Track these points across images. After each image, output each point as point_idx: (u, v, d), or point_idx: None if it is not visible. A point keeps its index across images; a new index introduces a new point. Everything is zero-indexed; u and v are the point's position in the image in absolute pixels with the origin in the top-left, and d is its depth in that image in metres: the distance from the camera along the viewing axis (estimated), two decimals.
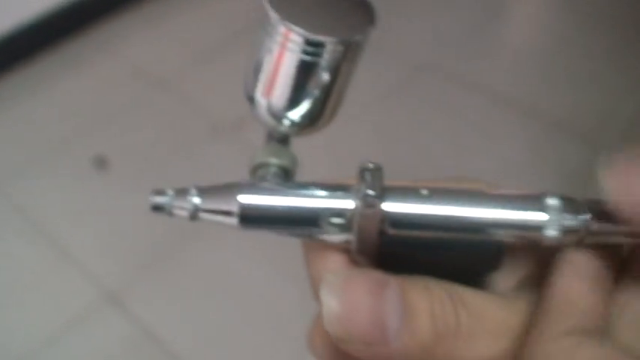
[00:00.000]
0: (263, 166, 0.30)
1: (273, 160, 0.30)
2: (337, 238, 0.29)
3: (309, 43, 0.29)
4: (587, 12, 2.15)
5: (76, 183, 1.70)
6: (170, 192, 0.30)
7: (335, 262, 0.30)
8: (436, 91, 1.92)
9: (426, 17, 2.16)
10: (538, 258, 0.31)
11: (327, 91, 0.31)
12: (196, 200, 0.29)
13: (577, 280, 0.27)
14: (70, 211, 1.64)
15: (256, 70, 0.31)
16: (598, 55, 1.97)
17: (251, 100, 0.31)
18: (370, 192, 0.27)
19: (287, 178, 0.30)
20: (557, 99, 1.86)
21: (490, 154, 1.71)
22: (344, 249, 0.29)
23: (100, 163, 1.73)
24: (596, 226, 0.27)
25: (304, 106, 0.31)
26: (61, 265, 1.53)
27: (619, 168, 0.25)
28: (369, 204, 0.27)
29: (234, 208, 0.28)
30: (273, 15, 0.28)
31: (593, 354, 0.25)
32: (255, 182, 0.29)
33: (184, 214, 0.29)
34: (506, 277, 0.31)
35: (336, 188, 0.28)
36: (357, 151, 1.72)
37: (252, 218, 0.29)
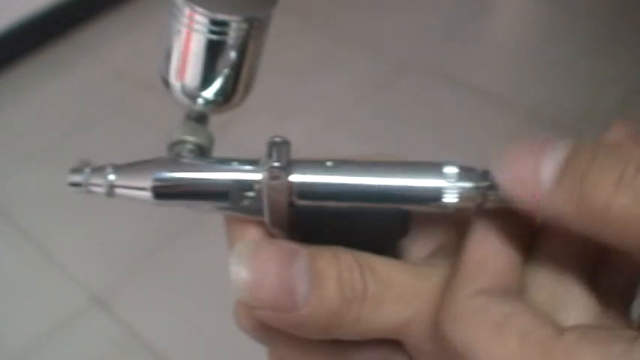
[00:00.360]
0: (179, 143, 0.31)
1: (190, 138, 0.31)
2: (251, 211, 0.30)
3: (214, 22, 0.30)
4: (569, 4, 2.16)
5: (61, 186, 1.70)
6: (87, 169, 0.31)
7: (252, 234, 0.31)
8: (421, 87, 1.92)
9: (409, 14, 2.16)
10: (450, 228, 0.32)
11: (238, 68, 0.32)
12: (111, 177, 0.30)
13: (486, 242, 0.28)
14: (55, 214, 1.65)
15: (168, 52, 0.32)
16: (580, 47, 1.98)
17: (165, 82, 0.33)
18: (276, 164, 0.28)
19: (203, 155, 0.31)
20: (541, 92, 1.87)
21: (475, 149, 1.72)
22: (261, 222, 0.30)
23: (84, 165, 1.73)
24: (494, 193, 0.28)
25: (217, 85, 0.32)
26: (47, 269, 1.53)
27: (509, 159, 0.25)
28: (274, 176, 0.28)
29: (148, 184, 0.29)
30: None
31: (500, 311, 0.25)
32: (168, 158, 0.30)
33: (101, 190, 0.30)
34: (418, 247, 0.32)
35: (246, 163, 0.29)
36: (341, 148, 1.73)
37: (165, 193, 0.30)
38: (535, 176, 0.24)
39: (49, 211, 1.65)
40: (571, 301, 0.27)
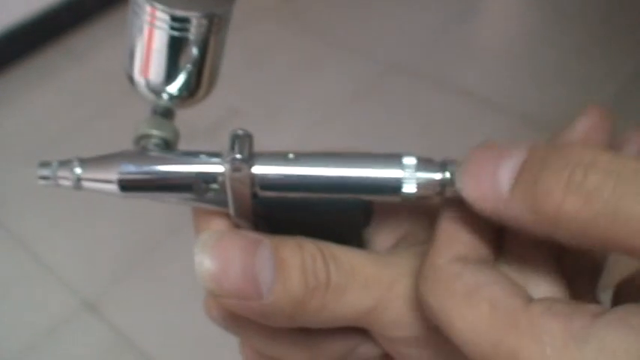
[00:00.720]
0: (145, 137, 0.32)
1: (155, 132, 0.32)
2: (216, 202, 0.30)
3: (174, 19, 0.31)
4: (556, 7, 2.17)
5: (52, 192, 1.71)
6: (54, 163, 0.31)
7: (217, 225, 0.32)
8: (408, 90, 1.93)
9: (398, 16, 2.17)
10: (413, 218, 0.33)
11: (200, 63, 0.32)
12: (78, 170, 0.31)
13: (461, 215, 0.29)
14: (45, 219, 1.65)
15: (131, 49, 0.33)
16: (567, 50, 1.99)
17: (130, 78, 0.33)
18: (237, 156, 0.28)
19: (168, 149, 0.32)
20: (528, 94, 1.87)
21: (463, 152, 1.72)
22: (227, 213, 0.31)
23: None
24: (452, 183, 0.29)
25: (181, 80, 0.33)
26: (37, 274, 1.54)
27: (470, 166, 0.27)
28: (236, 167, 0.28)
29: (113, 176, 0.30)
30: None
31: (474, 279, 0.26)
32: (134, 151, 0.31)
33: (68, 183, 0.31)
34: (382, 237, 0.33)
35: (211, 155, 0.30)
36: (331, 149, 1.73)
37: (130, 185, 0.30)
38: (494, 183, 0.26)
39: (39, 215, 1.66)
40: (538, 279, 0.28)
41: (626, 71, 1.91)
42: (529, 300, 0.25)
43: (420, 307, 0.28)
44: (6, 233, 1.62)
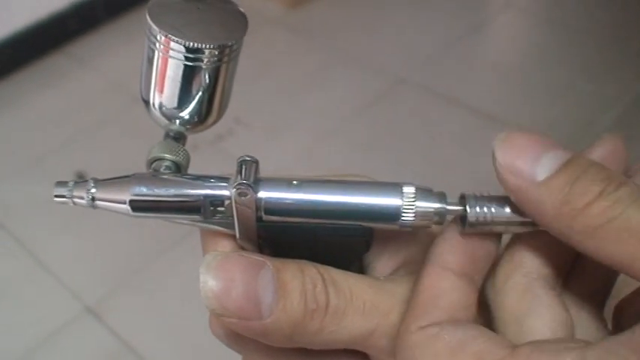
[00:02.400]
0: (157, 160, 0.34)
1: (167, 156, 0.34)
2: (223, 224, 0.32)
3: (188, 50, 0.33)
4: (565, 25, 2.18)
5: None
6: (70, 183, 0.33)
7: (223, 247, 0.33)
8: (415, 104, 1.94)
9: (405, 31, 2.18)
10: (412, 245, 0.34)
11: (212, 91, 0.35)
12: (93, 190, 0.32)
13: (442, 276, 0.30)
14: (49, 225, 1.65)
15: (147, 76, 0.35)
16: (575, 69, 1.99)
17: (146, 103, 0.35)
18: (244, 181, 0.30)
19: (179, 172, 0.34)
20: (535, 111, 1.88)
21: (468, 166, 1.73)
22: (232, 235, 0.32)
23: (79, 177, 1.74)
24: (450, 212, 0.30)
25: (193, 107, 0.35)
26: (41, 279, 1.54)
27: (512, 143, 0.28)
28: (242, 192, 0.30)
29: (126, 197, 0.31)
30: (154, 26, 0.32)
31: (454, 337, 0.27)
32: (146, 174, 0.32)
33: (83, 202, 0.32)
34: (382, 263, 0.34)
35: (219, 179, 0.31)
36: (335, 163, 1.74)
37: (141, 207, 0.32)
38: (531, 167, 0.27)
39: (43, 221, 1.66)
40: (539, 308, 0.29)
41: (633, 92, 1.91)
42: (514, 346, 0.26)
43: None
44: (9, 237, 1.63)
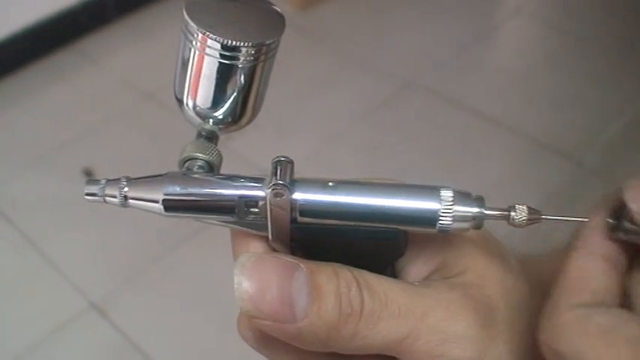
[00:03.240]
0: (190, 159, 0.33)
1: (200, 155, 0.33)
2: (255, 226, 0.31)
3: (225, 47, 0.32)
4: (573, 33, 2.17)
5: (63, 194, 1.72)
6: (102, 181, 0.32)
7: (255, 248, 0.32)
8: (422, 108, 1.94)
9: (414, 35, 2.18)
10: (447, 251, 0.33)
11: (247, 91, 0.34)
12: (125, 189, 0.32)
13: (592, 259, 0.29)
14: (56, 221, 1.65)
15: (182, 74, 0.34)
16: (582, 76, 1.99)
17: (180, 102, 0.35)
18: (279, 182, 0.29)
19: (212, 172, 0.33)
20: (541, 118, 1.88)
21: (474, 171, 1.73)
22: (264, 237, 0.32)
23: (87, 174, 1.74)
24: (488, 216, 0.30)
25: (227, 106, 0.34)
26: (47, 275, 1.54)
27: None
28: (278, 193, 0.29)
29: (159, 197, 0.31)
30: (192, 24, 0.32)
31: (607, 319, 0.27)
32: (179, 173, 0.32)
33: (115, 201, 0.32)
34: (416, 268, 0.34)
35: (253, 180, 0.31)
36: (342, 165, 1.74)
37: (174, 206, 0.31)
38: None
39: (50, 217, 1.66)
40: None
41: None
42: None
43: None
44: (16, 232, 1.63)
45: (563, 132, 1.83)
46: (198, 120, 0.35)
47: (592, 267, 0.29)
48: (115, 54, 2.13)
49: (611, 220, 0.29)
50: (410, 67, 2.06)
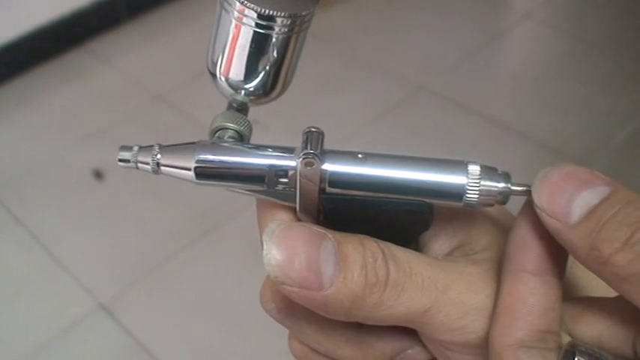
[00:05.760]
0: (221, 129, 0.34)
1: (230, 125, 0.34)
2: (282, 196, 0.32)
3: (261, 17, 0.32)
4: (583, 38, 2.18)
5: (73, 194, 1.72)
6: (135, 148, 0.33)
7: (281, 218, 0.33)
8: (432, 112, 1.94)
9: (424, 39, 2.19)
10: (469, 228, 0.34)
11: (279, 63, 0.35)
12: (158, 156, 0.32)
13: (520, 282, 0.30)
14: (66, 222, 1.66)
15: (216, 45, 0.35)
16: (592, 81, 1.99)
17: (212, 74, 0.35)
18: (310, 151, 0.30)
19: (242, 141, 0.34)
20: (552, 123, 1.88)
21: None
22: (292, 208, 0.32)
23: (97, 175, 1.75)
24: (514, 192, 0.30)
25: (259, 78, 0.35)
26: (57, 275, 1.55)
27: (550, 183, 0.28)
28: (309, 162, 0.30)
29: (191, 164, 0.31)
30: None
31: None
32: (211, 141, 0.33)
33: (147, 167, 0.33)
34: (440, 243, 0.34)
35: (283, 150, 0.32)
36: None
37: (205, 174, 0.32)
38: (565, 209, 0.27)
39: (60, 217, 1.67)
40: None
41: None
42: None
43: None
44: (25, 232, 1.64)
45: (573, 137, 1.83)
46: (230, 91, 0.35)
47: (522, 290, 0.29)
48: (127, 55, 2.15)
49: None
50: (420, 70, 2.06)
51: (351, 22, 2.25)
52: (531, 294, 0.29)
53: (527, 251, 0.30)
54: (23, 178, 1.78)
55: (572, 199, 0.27)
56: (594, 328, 0.29)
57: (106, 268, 1.58)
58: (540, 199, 0.28)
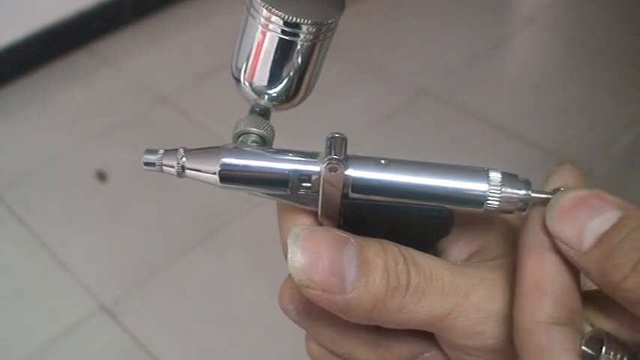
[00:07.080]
0: (244, 133, 0.34)
1: (254, 129, 0.34)
2: (305, 200, 0.32)
3: (287, 24, 0.33)
4: (586, 44, 2.18)
5: (76, 196, 1.73)
6: (161, 151, 0.33)
7: (303, 222, 0.33)
8: (435, 116, 1.94)
9: (428, 44, 2.19)
10: (488, 234, 0.34)
11: (303, 70, 0.35)
12: (183, 160, 0.33)
13: (544, 260, 0.30)
14: (68, 223, 1.66)
15: (241, 50, 0.35)
16: (594, 86, 2.00)
17: (236, 78, 0.36)
18: (334, 157, 0.30)
19: (265, 146, 0.34)
20: (554, 128, 1.88)
21: None
22: (313, 212, 0.33)
23: (100, 176, 1.75)
24: (534, 199, 0.31)
25: (283, 84, 0.35)
26: (59, 276, 1.55)
27: (562, 209, 0.29)
28: (332, 168, 0.30)
29: (215, 168, 0.32)
30: (258, 0, 0.33)
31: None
32: (235, 146, 0.33)
33: (172, 171, 0.33)
34: (459, 249, 0.35)
35: (307, 155, 0.32)
36: None
37: (230, 177, 0.32)
38: (579, 235, 0.28)
39: (63, 219, 1.67)
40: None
41: None
42: None
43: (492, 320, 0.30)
44: (28, 234, 1.64)
45: (576, 141, 1.83)
46: (253, 96, 0.36)
47: (548, 266, 0.30)
48: (131, 57, 2.15)
49: None
50: (423, 75, 2.07)
51: (353, 28, 2.25)
52: (558, 271, 0.29)
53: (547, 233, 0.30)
54: (26, 178, 1.78)
55: (583, 227, 0.28)
56: (614, 319, 0.30)
57: (108, 269, 1.58)
58: (553, 227, 0.29)
